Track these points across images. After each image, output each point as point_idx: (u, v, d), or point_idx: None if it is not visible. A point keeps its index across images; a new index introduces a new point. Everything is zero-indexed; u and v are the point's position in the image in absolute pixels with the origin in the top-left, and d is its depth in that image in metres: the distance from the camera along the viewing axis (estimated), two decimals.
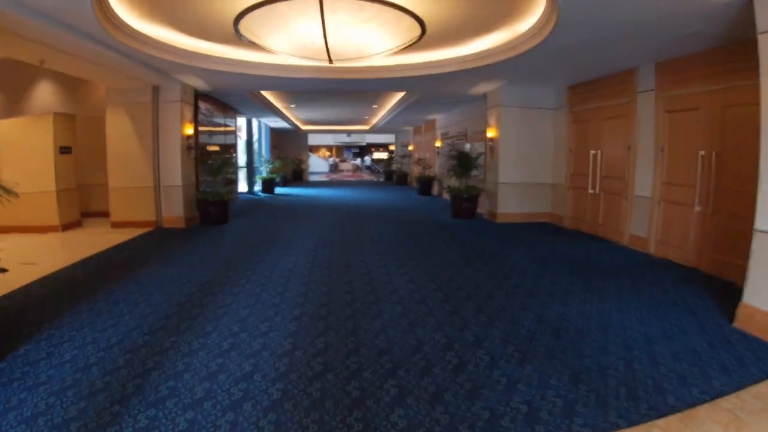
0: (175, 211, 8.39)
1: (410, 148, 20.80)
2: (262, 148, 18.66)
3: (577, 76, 7.88)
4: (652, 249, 6.44)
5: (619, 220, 7.19)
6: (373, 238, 7.41)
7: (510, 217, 9.22)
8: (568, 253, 6.41)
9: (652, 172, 6.43)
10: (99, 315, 3.85)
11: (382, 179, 26.18)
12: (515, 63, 6.71)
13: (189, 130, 8.53)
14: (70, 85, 9.52)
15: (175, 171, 8.30)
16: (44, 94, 9.71)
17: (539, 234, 7.92)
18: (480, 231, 8.14)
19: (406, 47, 5.63)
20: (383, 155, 34.79)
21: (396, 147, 26.09)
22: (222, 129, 12.19)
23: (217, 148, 11.38)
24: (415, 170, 18.94)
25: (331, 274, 5.22)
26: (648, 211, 6.50)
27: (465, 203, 9.60)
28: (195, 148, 8.83)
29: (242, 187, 16.03)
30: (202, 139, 10.42)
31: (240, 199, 14.07)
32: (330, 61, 5.56)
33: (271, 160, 18.51)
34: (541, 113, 9.20)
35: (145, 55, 6.24)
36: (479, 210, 10.09)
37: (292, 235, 7.74)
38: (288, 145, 23.73)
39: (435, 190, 15.94)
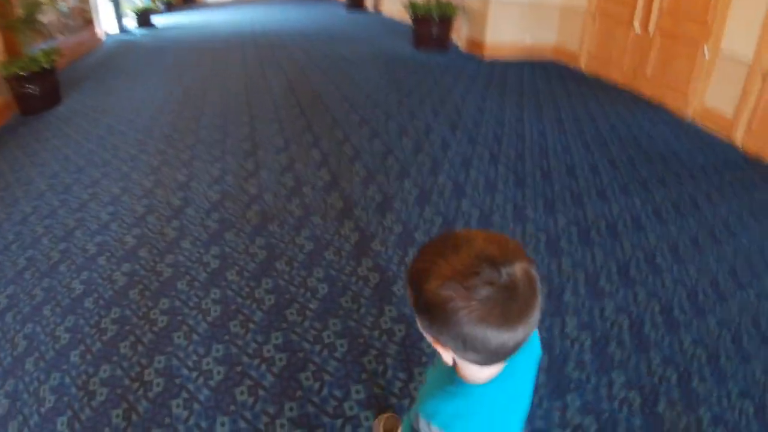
0: None
1: None
2: None
3: None
4: (738, 139, 3.93)
5: (684, 80, 4.47)
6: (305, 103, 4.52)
7: (503, 51, 6.29)
8: (624, 134, 3.97)
9: (763, 22, 3.66)
10: None
11: None
12: None
13: None
14: None
15: None
16: None
17: (553, 84, 5.30)
18: (467, 77, 5.35)
19: None
20: None
21: None
22: None
23: None
24: None
25: None
26: (741, 82, 3.87)
27: (435, 28, 6.44)
28: None
29: (112, 27, 11.34)
30: None
31: (104, 46, 9.78)
32: None
33: None
34: None
35: None
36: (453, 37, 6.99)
37: (164, 115, 4.65)
38: None
39: (369, 2, 11.96)
